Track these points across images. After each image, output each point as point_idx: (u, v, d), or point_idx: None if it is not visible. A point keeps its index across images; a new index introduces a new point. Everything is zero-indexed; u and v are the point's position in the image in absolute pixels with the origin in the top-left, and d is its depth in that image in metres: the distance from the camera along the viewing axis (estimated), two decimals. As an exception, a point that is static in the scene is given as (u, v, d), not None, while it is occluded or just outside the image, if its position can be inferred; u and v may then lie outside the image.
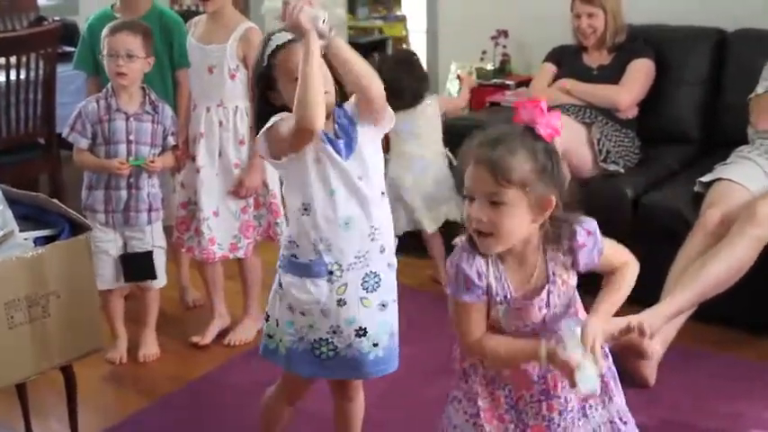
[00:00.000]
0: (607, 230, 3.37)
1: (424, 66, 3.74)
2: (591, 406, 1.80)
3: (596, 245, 1.72)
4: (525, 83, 4.02)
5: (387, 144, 3.41)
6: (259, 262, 3.12)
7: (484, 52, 4.41)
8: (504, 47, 4.36)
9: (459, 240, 1.75)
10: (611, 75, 3.53)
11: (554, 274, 1.72)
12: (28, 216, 2.31)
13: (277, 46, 1.97)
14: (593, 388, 1.65)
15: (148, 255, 2.90)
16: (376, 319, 2.01)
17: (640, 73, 3.52)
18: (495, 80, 4.33)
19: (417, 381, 2.71)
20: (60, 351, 2.24)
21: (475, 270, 1.70)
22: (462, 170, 1.67)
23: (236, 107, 2.96)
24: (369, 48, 7.00)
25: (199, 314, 3.33)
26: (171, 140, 2.91)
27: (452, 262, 1.74)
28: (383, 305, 2.03)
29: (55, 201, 2.36)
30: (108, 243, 2.87)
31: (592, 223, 1.73)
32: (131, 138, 2.82)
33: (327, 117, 1.92)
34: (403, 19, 7.70)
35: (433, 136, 3.46)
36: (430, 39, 4.81)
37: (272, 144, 1.95)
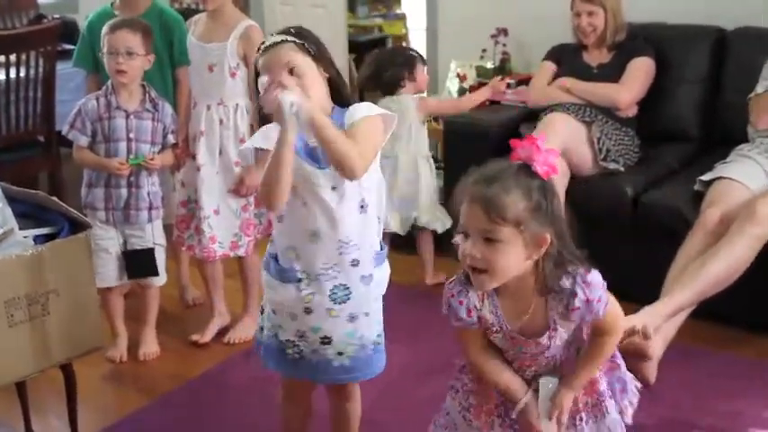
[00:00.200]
0: (607, 229, 3.40)
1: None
2: (582, 418, 1.83)
3: (590, 310, 1.70)
4: (525, 81, 4.01)
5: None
6: (259, 260, 3.12)
7: (484, 51, 4.40)
8: (504, 45, 4.35)
9: (457, 275, 1.78)
10: (611, 73, 3.53)
11: (555, 321, 1.74)
12: (27, 214, 2.31)
13: (267, 45, 1.98)
14: None
15: (150, 251, 2.90)
16: (343, 329, 2.00)
17: (640, 71, 3.52)
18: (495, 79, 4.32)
19: (411, 381, 2.73)
20: (60, 349, 2.24)
21: (465, 307, 1.75)
22: (457, 207, 1.69)
23: (237, 105, 2.97)
24: (369, 46, 7.00)
25: (199, 312, 3.33)
26: (171, 138, 2.91)
27: (447, 290, 1.79)
28: (352, 317, 2.00)
29: (54, 199, 2.36)
30: (108, 241, 2.87)
31: (594, 290, 1.69)
32: (131, 135, 2.82)
33: None
34: (403, 17, 7.70)
35: (409, 138, 3.43)
36: (430, 37, 4.80)
37: (257, 162, 2.00)
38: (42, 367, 2.23)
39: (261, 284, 2.13)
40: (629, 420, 1.87)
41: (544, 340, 1.75)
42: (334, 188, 1.92)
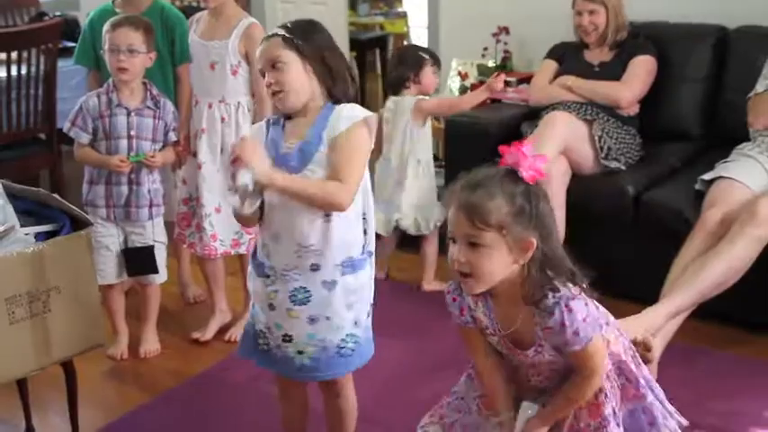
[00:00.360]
0: (608, 227, 3.40)
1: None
2: None
3: (564, 337, 1.70)
4: (527, 80, 4.01)
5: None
6: (260, 258, 3.12)
7: (485, 49, 4.40)
8: (506, 44, 4.35)
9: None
10: (613, 72, 3.53)
11: (540, 336, 1.74)
12: (29, 211, 2.31)
13: (262, 39, 2.04)
14: None
15: (150, 249, 2.90)
16: (303, 330, 2.01)
17: (642, 70, 3.52)
18: (496, 77, 4.32)
19: (412, 379, 2.72)
20: (61, 346, 2.24)
21: (458, 305, 1.80)
22: (447, 212, 1.72)
23: (238, 103, 2.97)
24: (369, 44, 7.00)
25: (199, 310, 3.33)
26: (172, 136, 2.91)
27: (446, 289, 1.84)
28: (312, 319, 2.00)
29: (56, 196, 2.36)
30: (109, 238, 2.87)
31: (573, 317, 1.67)
32: (132, 133, 2.82)
33: (305, 115, 1.98)
34: (404, 15, 7.70)
35: (403, 140, 3.37)
36: (431, 35, 4.80)
37: None
38: (43, 364, 2.23)
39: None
40: None
41: (530, 353, 1.76)
42: None
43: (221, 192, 2.98)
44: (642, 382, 1.87)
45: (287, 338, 2.02)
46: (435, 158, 3.60)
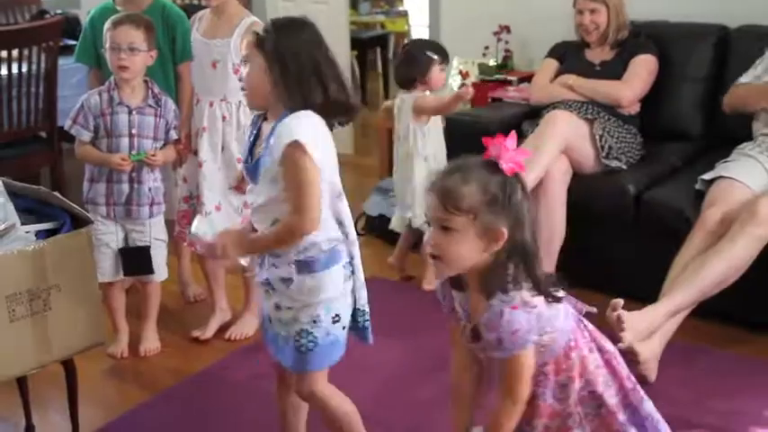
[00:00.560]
0: (609, 226, 3.39)
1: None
2: None
3: (489, 339, 1.68)
4: (527, 79, 4.01)
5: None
6: (260, 257, 3.12)
7: (486, 48, 4.40)
8: (507, 42, 4.35)
9: None
10: (614, 71, 3.53)
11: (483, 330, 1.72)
12: (29, 209, 2.31)
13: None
14: None
15: (146, 249, 2.90)
16: (273, 314, 2.07)
17: (643, 69, 3.52)
18: (497, 76, 4.32)
19: (411, 378, 2.72)
20: (61, 345, 2.24)
21: (443, 292, 1.83)
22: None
23: (240, 102, 2.96)
24: (370, 43, 7.00)
25: (200, 308, 3.33)
26: (173, 134, 2.91)
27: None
28: (278, 306, 2.05)
29: (56, 194, 2.36)
30: (109, 236, 2.87)
31: (507, 325, 1.65)
32: (134, 131, 2.82)
33: (272, 118, 1.97)
34: (405, 14, 7.71)
35: (406, 136, 3.38)
36: (432, 34, 4.80)
37: None
38: (43, 362, 2.23)
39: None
40: None
41: (478, 346, 1.75)
42: (252, 203, 2.04)
43: (222, 190, 2.99)
44: (622, 418, 1.80)
45: (269, 320, 2.10)
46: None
